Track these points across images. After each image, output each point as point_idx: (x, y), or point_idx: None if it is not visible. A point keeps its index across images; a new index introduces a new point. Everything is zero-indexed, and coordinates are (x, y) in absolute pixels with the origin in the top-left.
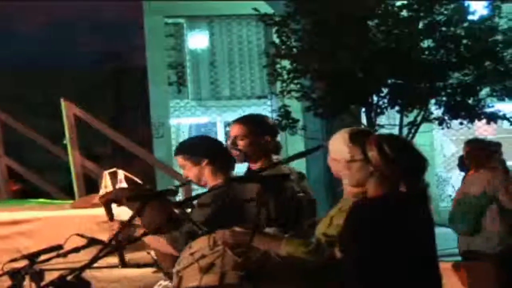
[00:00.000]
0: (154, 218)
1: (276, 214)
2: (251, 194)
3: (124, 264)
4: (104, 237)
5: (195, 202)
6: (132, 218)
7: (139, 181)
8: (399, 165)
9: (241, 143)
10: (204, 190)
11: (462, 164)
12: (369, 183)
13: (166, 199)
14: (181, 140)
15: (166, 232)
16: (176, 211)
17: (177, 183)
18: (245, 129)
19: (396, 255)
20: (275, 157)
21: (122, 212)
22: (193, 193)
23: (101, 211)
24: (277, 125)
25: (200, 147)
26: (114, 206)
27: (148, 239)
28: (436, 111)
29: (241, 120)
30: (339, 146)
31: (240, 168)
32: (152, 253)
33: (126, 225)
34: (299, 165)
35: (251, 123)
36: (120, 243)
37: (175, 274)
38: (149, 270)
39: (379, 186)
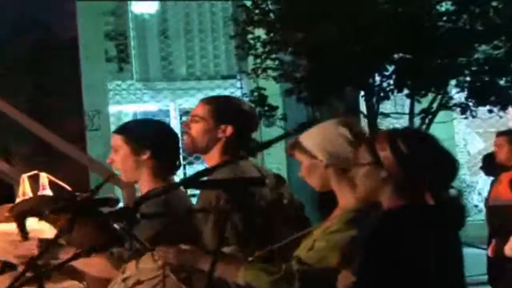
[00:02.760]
0: (88, 236)
1: (243, 228)
2: (205, 202)
3: None
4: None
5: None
6: (57, 236)
7: (68, 187)
8: (420, 168)
9: (193, 127)
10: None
11: (489, 165)
12: (383, 194)
13: (103, 210)
14: None
15: (103, 252)
16: (115, 225)
17: (117, 189)
18: (204, 110)
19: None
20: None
21: (44, 228)
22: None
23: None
24: (254, 116)
25: (147, 134)
26: (31, 220)
27: (78, 263)
28: (458, 95)
29: (206, 99)
30: (330, 143)
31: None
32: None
33: (49, 245)
34: (277, 167)
35: (215, 104)
36: (41, 269)
37: None
38: None
39: (396, 196)
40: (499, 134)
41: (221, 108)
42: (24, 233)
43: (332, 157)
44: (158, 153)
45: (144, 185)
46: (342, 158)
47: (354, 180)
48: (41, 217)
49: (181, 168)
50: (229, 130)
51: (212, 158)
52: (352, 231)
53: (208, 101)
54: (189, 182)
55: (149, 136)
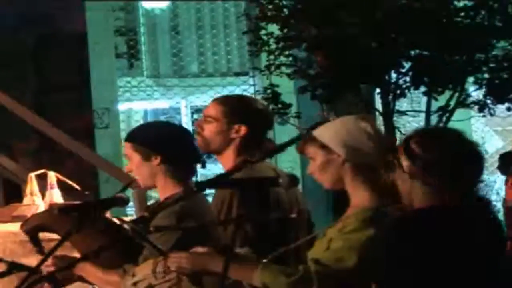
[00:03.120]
0: (96, 240)
1: (256, 230)
2: (218, 200)
3: None
4: (30, 261)
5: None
6: (64, 238)
7: (76, 186)
8: (437, 168)
9: (206, 127)
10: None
11: (506, 163)
12: (415, 195)
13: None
14: None
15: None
16: (126, 226)
17: (129, 190)
18: (217, 110)
19: None
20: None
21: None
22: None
23: None
24: (268, 115)
25: (155, 138)
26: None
27: (95, 280)
28: (476, 93)
29: (218, 99)
30: (350, 137)
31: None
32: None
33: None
34: (290, 166)
35: (229, 104)
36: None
37: None
38: None
39: (424, 198)
40: None
41: (234, 108)
42: (39, 247)
43: (352, 152)
44: (170, 156)
45: (162, 190)
46: (363, 153)
47: (371, 178)
48: (51, 229)
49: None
50: (243, 130)
51: (227, 158)
52: (370, 231)
53: (220, 100)
54: (202, 184)
55: (157, 140)
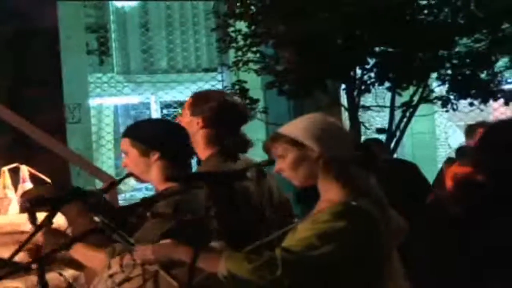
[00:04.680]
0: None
1: (227, 223)
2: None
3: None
4: (3, 252)
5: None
6: (39, 227)
7: (48, 180)
8: None
9: (181, 121)
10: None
11: (462, 156)
12: None
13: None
14: (103, 125)
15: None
16: (96, 218)
17: (98, 182)
18: (187, 104)
19: None
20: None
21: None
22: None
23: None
24: (227, 107)
25: (153, 134)
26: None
27: (80, 256)
28: (439, 89)
29: (192, 94)
30: (324, 132)
31: None
32: (66, 274)
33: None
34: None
35: (192, 98)
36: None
37: None
38: None
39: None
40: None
41: (194, 102)
42: (33, 219)
43: (326, 146)
44: (167, 153)
45: (158, 185)
46: (336, 147)
47: (343, 172)
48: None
49: None
50: (200, 122)
51: (199, 149)
52: (340, 223)
53: (191, 95)
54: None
55: (156, 136)
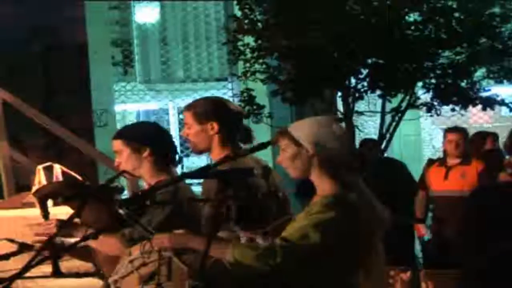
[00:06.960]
0: (99, 219)
1: (238, 216)
2: (208, 192)
3: (59, 273)
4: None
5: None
6: (71, 217)
7: (78, 177)
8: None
9: (188, 132)
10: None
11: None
12: None
13: (110, 197)
14: None
15: (108, 233)
16: (121, 211)
17: (123, 180)
18: (190, 116)
19: None
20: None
21: (59, 213)
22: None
23: (33, 212)
24: (230, 110)
25: (144, 133)
26: (49, 204)
27: (93, 242)
28: (424, 96)
29: (188, 106)
30: (318, 136)
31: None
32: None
33: (64, 225)
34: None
35: (196, 107)
36: (56, 248)
37: (112, 285)
38: (89, 280)
39: None
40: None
41: (199, 111)
42: (45, 213)
43: (319, 149)
44: (156, 148)
45: (149, 178)
46: (329, 151)
47: (335, 171)
48: (56, 202)
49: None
50: (215, 126)
51: (214, 152)
52: (331, 213)
53: (188, 108)
54: (190, 174)
55: (146, 135)
